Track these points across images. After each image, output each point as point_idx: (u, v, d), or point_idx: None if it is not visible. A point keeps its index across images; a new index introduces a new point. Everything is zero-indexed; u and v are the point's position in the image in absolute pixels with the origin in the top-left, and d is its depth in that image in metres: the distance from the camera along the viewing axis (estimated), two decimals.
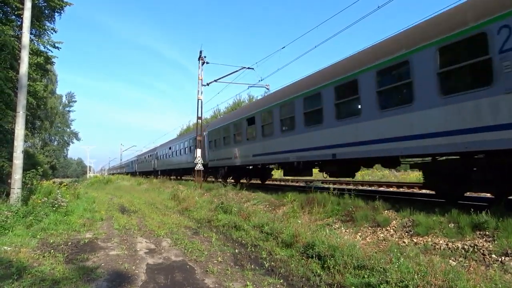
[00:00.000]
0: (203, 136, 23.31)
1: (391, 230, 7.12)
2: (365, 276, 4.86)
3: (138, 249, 7.06)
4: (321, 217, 8.85)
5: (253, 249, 7.01)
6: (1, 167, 19.35)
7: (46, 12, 20.54)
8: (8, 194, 10.79)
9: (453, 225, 6.31)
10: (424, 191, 13.68)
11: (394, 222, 7.35)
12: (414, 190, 14.37)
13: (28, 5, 11.16)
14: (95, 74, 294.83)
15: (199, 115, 22.16)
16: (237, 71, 23.14)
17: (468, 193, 8.99)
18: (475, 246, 5.51)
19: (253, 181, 20.93)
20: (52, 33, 21.19)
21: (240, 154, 17.64)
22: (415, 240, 6.36)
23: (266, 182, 21.39)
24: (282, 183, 22.74)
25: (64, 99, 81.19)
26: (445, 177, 8.24)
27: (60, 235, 8.19)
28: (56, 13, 21.01)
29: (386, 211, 7.98)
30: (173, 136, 62.31)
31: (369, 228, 7.53)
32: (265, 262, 6.04)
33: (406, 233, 6.77)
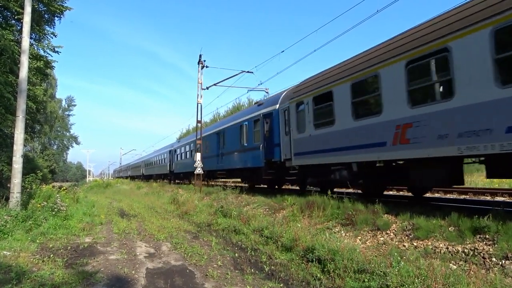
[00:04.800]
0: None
1: (391, 234, 7.11)
2: (366, 280, 4.85)
3: (138, 254, 7.04)
4: (321, 221, 8.84)
5: (253, 253, 7.00)
6: (1, 171, 19.35)
7: (46, 16, 20.60)
8: (7, 199, 10.77)
9: (453, 228, 6.30)
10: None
11: (394, 225, 7.34)
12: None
13: (28, 9, 11.19)
14: (95, 78, 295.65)
15: (199, 119, 22.19)
16: (236, 74, 23.23)
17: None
18: (476, 250, 5.51)
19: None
20: (52, 38, 21.25)
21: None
22: (415, 244, 6.35)
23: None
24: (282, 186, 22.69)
25: (63, 103, 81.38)
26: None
27: (59, 239, 8.17)
28: (56, 18, 21.10)
29: (386, 214, 7.96)
30: (172, 140, 62.39)
31: (369, 231, 7.52)
32: (265, 266, 6.03)
33: (406, 237, 6.76)
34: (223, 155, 20.14)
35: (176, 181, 34.29)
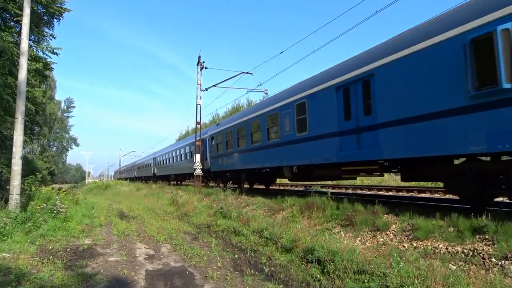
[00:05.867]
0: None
1: (391, 234, 7.11)
2: (365, 280, 4.85)
3: (137, 255, 7.04)
4: (321, 222, 8.84)
5: (252, 254, 6.99)
6: (0, 173, 19.31)
7: (45, 18, 20.57)
8: (6, 201, 10.76)
9: (452, 229, 6.31)
10: (423, 195, 13.71)
11: (393, 226, 7.34)
12: (413, 194, 14.38)
13: (27, 11, 11.20)
14: (94, 79, 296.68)
15: (198, 120, 22.17)
16: (235, 76, 23.17)
17: None
18: (475, 250, 5.51)
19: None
20: (51, 39, 21.24)
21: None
22: (415, 244, 6.36)
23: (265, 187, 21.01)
24: (281, 187, 22.69)
25: (63, 104, 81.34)
26: None
27: (59, 241, 8.16)
28: (55, 20, 21.06)
29: (385, 215, 7.97)
30: (172, 141, 61.71)
31: (369, 232, 7.52)
32: (264, 267, 6.03)
33: (406, 237, 6.76)
34: (364, 130, 9.30)
35: (211, 183, 24.73)
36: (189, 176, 28.52)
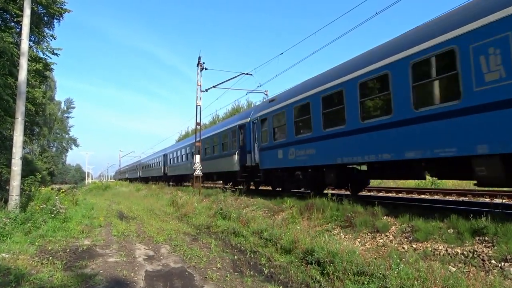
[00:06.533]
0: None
1: (391, 236, 7.11)
2: (365, 282, 4.85)
3: (137, 256, 7.03)
4: (320, 223, 8.83)
5: (252, 255, 6.99)
6: (0, 173, 19.33)
7: (45, 19, 20.62)
8: (6, 201, 10.76)
9: (452, 230, 6.31)
10: (423, 196, 13.72)
11: (393, 227, 7.34)
12: (413, 195, 14.38)
13: (27, 12, 11.21)
14: (94, 80, 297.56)
15: (198, 121, 22.17)
16: (235, 77, 23.19)
17: None
18: (475, 252, 5.51)
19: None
20: (51, 40, 21.31)
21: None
22: (414, 246, 6.35)
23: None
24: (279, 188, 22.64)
25: (63, 105, 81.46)
26: None
27: (58, 242, 8.15)
28: (55, 20, 21.12)
29: (385, 216, 7.97)
30: (172, 142, 61.48)
31: (369, 233, 7.51)
32: (264, 269, 6.02)
33: (406, 239, 6.76)
34: None
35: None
36: (217, 176, 22.34)
